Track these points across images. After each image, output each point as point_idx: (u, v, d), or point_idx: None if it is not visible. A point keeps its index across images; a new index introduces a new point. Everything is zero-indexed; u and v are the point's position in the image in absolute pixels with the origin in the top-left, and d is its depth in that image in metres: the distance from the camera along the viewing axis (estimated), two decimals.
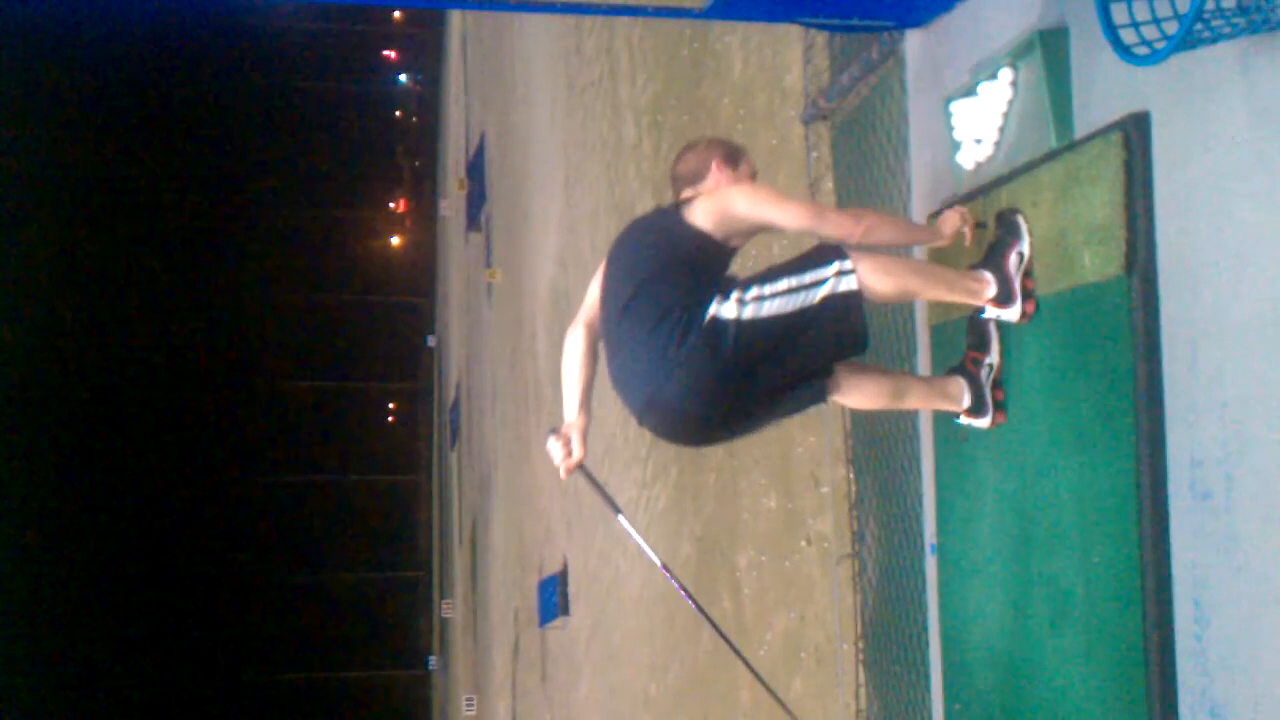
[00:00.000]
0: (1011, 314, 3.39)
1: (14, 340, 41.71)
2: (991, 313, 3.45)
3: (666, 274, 3.36)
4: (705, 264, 3.39)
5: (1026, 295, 3.35)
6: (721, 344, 3.22)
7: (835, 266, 3.26)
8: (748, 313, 3.23)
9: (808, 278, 3.26)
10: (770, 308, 3.24)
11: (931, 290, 3.47)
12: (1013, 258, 3.37)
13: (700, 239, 3.38)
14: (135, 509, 45.28)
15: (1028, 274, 3.35)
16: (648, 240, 3.52)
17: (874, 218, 3.47)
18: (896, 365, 4.44)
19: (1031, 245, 3.33)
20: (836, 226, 3.37)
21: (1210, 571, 2.66)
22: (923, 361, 4.14)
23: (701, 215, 3.38)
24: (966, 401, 3.58)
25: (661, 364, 3.27)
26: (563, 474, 3.61)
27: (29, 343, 42.81)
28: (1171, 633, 2.77)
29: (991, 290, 3.41)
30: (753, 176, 3.69)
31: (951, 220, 3.55)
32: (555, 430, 3.61)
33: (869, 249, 3.36)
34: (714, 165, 3.59)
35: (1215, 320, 2.63)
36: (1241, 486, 2.55)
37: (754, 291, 3.25)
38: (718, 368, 3.24)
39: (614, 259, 3.57)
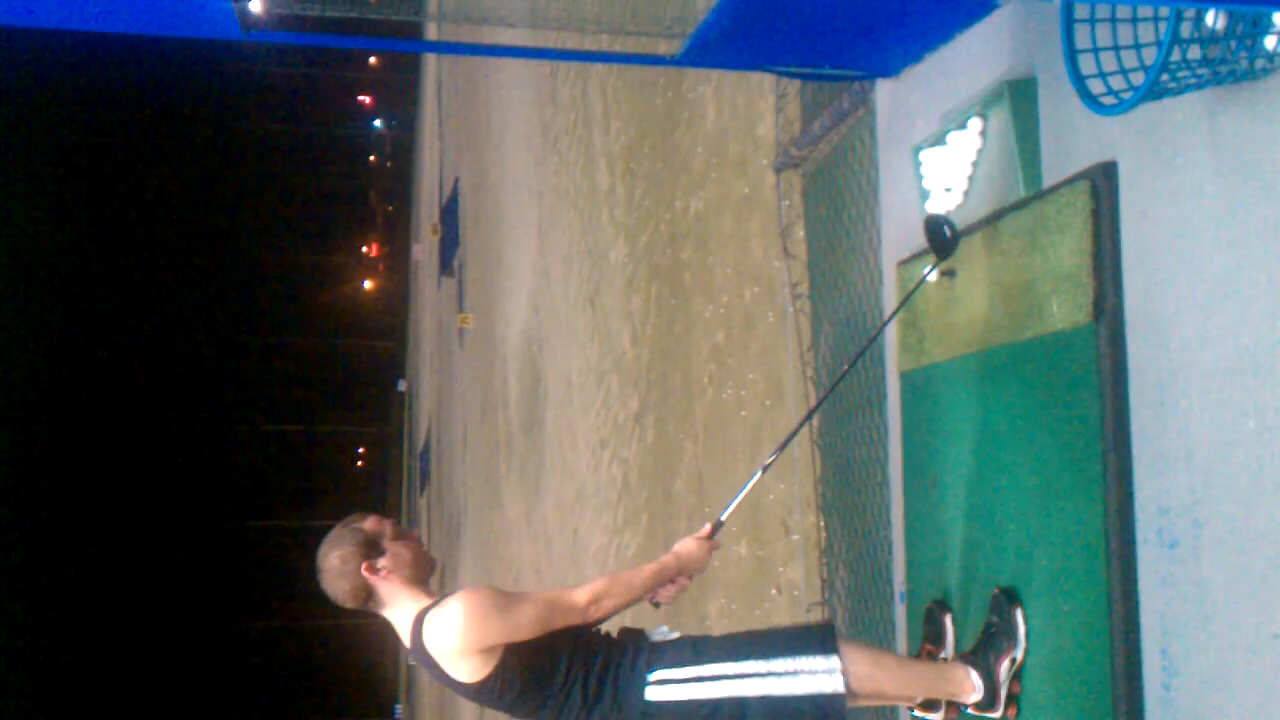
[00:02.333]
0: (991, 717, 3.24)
1: None
2: (972, 714, 3.28)
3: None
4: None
5: (1011, 700, 3.20)
6: None
7: (826, 662, 3.04)
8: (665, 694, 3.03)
9: (782, 664, 3.04)
10: (702, 692, 3.04)
11: (911, 692, 3.27)
12: (1005, 664, 3.19)
13: (479, 688, 3.01)
14: (101, 555, 44.68)
15: (1016, 677, 3.20)
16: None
17: (603, 584, 3.12)
18: (866, 413, 4.44)
19: (1026, 650, 3.17)
20: (568, 612, 3.05)
21: (1178, 620, 2.65)
22: (892, 408, 4.14)
23: (453, 668, 2.99)
24: (978, 695, 3.27)
25: None
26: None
27: None
28: (1140, 682, 2.75)
29: (976, 695, 3.22)
30: (414, 542, 3.20)
31: (691, 551, 3.25)
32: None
33: (851, 648, 3.15)
34: (363, 571, 3.08)
35: (1182, 368, 2.63)
36: (1209, 535, 2.55)
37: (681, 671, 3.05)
38: None
39: None
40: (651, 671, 3.07)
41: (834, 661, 3.05)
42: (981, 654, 3.25)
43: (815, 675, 3.04)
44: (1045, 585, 3.10)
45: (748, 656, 3.08)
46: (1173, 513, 2.66)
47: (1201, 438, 2.57)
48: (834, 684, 3.03)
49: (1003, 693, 3.19)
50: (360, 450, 57.58)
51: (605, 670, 3.07)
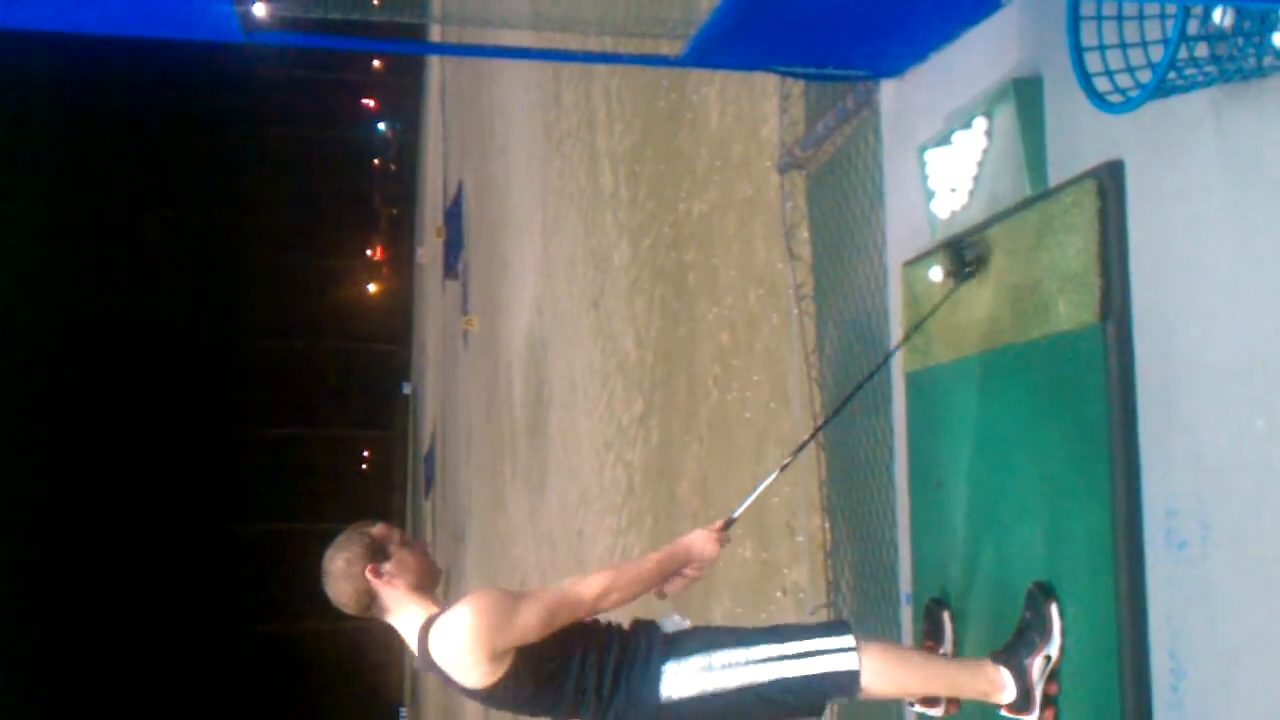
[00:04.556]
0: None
1: None
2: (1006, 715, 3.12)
3: None
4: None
5: (1047, 702, 3.05)
6: None
7: (841, 640, 3.00)
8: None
9: (795, 646, 3.01)
10: (717, 681, 3.01)
11: (936, 689, 3.18)
12: (1038, 661, 3.05)
13: (490, 692, 2.99)
14: (106, 557, 44.72)
15: (1052, 677, 3.06)
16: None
17: (609, 576, 3.07)
18: (872, 414, 4.42)
19: (1062, 648, 3.03)
20: (576, 607, 3.01)
21: (1186, 622, 2.63)
22: (897, 409, 4.13)
23: (463, 676, 2.96)
24: (1010, 695, 3.11)
25: None
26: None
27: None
28: (1148, 684, 2.74)
29: (1009, 695, 3.07)
30: (421, 551, 3.19)
31: (700, 542, 3.24)
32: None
33: (874, 644, 3.08)
34: (368, 575, 3.07)
35: (1190, 368, 2.62)
36: (1217, 535, 2.54)
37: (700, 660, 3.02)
38: None
39: None
40: (665, 664, 3.03)
41: (849, 640, 3.00)
42: (1013, 651, 3.09)
43: (830, 655, 2.98)
44: (1052, 587, 3.08)
45: (761, 642, 3.04)
46: (1180, 514, 2.64)
47: (1210, 438, 2.56)
48: (849, 662, 2.97)
49: (1037, 693, 3.04)
50: (364, 454, 57.62)
51: (619, 665, 3.03)
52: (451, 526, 27.16)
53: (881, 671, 3.01)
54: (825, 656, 2.99)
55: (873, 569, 4.52)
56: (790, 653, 3.00)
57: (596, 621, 3.12)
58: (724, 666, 3.00)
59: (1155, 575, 2.73)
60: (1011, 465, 3.32)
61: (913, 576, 3.96)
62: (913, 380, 3.97)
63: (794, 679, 2.98)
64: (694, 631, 3.15)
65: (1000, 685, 3.08)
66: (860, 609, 4.72)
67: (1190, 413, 2.62)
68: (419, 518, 41.47)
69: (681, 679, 3.01)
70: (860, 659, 2.98)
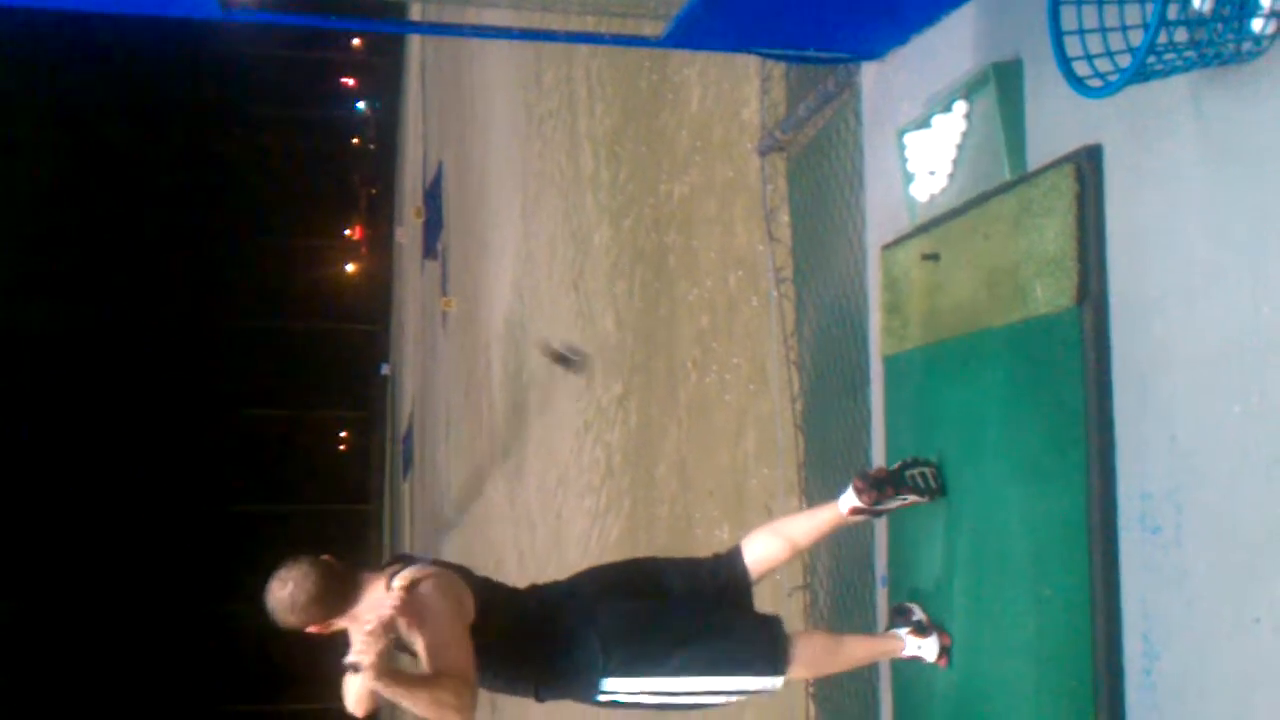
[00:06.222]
0: (930, 651, 3.49)
1: None
2: (911, 646, 3.52)
3: None
4: None
5: (943, 651, 3.48)
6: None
7: (771, 682, 3.36)
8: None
9: (730, 683, 3.35)
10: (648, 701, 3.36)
11: (859, 666, 3.75)
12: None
13: None
14: (83, 540, 44.53)
15: (944, 629, 3.49)
16: None
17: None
18: (849, 396, 4.43)
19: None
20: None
21: (1160, 605, 2.65)
22: (875, 392, 4.14)
23: None
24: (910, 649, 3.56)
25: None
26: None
27: None
28: (1121, 667, 2.75)
29: (909, 649, 3.51)
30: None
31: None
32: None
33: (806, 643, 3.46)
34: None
35: (1165, 353, 2.63)
36: (1191, 520, 2.55)
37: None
38: None
39: None
40: (606, 678, 3.29)
41: (778, 682, 3.34)
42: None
43: (758, 687, 3.37)
44: (1026, 569, 3.09)
45: (700, 672, 3.30)
46: (1155, 498, 2.65)
47: (1185, 423, 2.57)
48: (772, 686, 3.37)
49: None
50: (343, 435, 57.46)
51: (560, 667, 3.34)
52: (429, 508, 27.12)
53: (810, 668, 3.47)
54: (753, 689, 3.37)
55: (849, 551, 4.53)
56: (723, 688, 3.33)
57: (529, 611, 3.41)
58: (659, 692, 3.30)
59: (1129, 558, 2.75)
60: (987, 447, 3.33)
61: (888, 559, 3.97)
62: (890, 363, 3.98)
63: (718, 704, 3.38)
64: (637, 628, 3.35)
65: (901, 645, 3.50)
66: (837, 591, 4.74)
67: (1165, 398, 2.63)
68: (397, 499, 41.40)
69: (619, 692, 3.32)
70: (782, 681, 3.35)
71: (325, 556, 3.22)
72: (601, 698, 3.33)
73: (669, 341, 7.58)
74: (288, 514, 49.99)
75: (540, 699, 3.37)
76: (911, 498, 3.50)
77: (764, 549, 3.67)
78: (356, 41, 54.02)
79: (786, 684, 3.41)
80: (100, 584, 44.59)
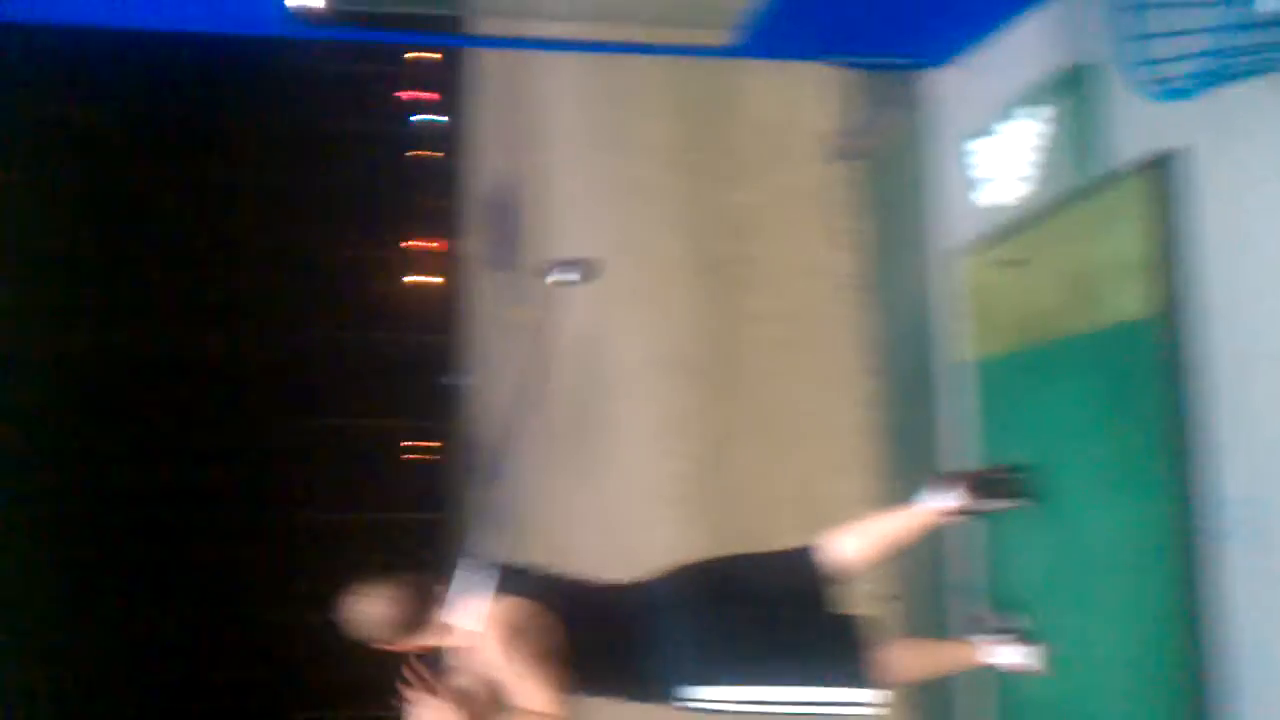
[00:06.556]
0: (1011, 657, 3.49)
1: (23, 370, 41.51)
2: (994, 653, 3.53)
3: None
4: None
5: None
6: None
7: (864, 695, 3.21)
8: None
9: (823, 694, 3.22)
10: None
11: (943, 673, 3.75)
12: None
13: None
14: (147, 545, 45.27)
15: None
16: None
17: None
18: (934, 403, 4.41)
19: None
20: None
21: (1252, 612, 2.61)
22: (965, 398, 4.10)
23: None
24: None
25: None
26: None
27: (39, 378, 42.67)
28: (1210, 674, 2.72)
29: (991, 653, 3.53)
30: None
31: None
32: None
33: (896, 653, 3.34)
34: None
35: (1254, 357, 2.59)
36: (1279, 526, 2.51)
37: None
38: None
39: None
40: (689, 685, 3.21)
41: (871, 695, 3.20)
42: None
43: (848, 703, 3.21)
44: (1114, 576, 3.06)
45: (792, 682, 3.20)
46: (1245, 503, 2.62)
47: (1270, 429, 2.53)
48: (867, 713, 3.19)
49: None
50: (413, 445, 57.92)
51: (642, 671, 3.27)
52: (504, 517, 27.31)
53: (894, 677, 3.28)
54: (844, 702, 3.21)
55: (936, 559, 4.49)
56: (812, 699, 3.20)
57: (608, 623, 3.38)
58: (749, 701, 3.19)
59: (1220, 565, 2.71)
60: (1073, 454, 3.30)
61: (969, 566, 3.94)
62: (976, 369, 3.95)
63: (805, 715, 3.24)
64: (723, 645, 3.27)
65: (983, 650, 3.51)
66: (919, 598, 4.70)
67: (1249, 403, 2.59)
68: (468, 508, 41.68)
69: (703, 700, 3.21)
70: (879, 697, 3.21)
71: (408, 574, 3.26)
72: (688, 704, 3.25)
73: (742, 351, 7.57)
74: (357, 523, 50.57)
75: (630, 699, 3.32)
76: (1004, 502, 3.46)
77: (852, 548, 3.51)
78: (420, 55, 54.56)
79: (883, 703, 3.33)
80: (168, 593, 45.23)
